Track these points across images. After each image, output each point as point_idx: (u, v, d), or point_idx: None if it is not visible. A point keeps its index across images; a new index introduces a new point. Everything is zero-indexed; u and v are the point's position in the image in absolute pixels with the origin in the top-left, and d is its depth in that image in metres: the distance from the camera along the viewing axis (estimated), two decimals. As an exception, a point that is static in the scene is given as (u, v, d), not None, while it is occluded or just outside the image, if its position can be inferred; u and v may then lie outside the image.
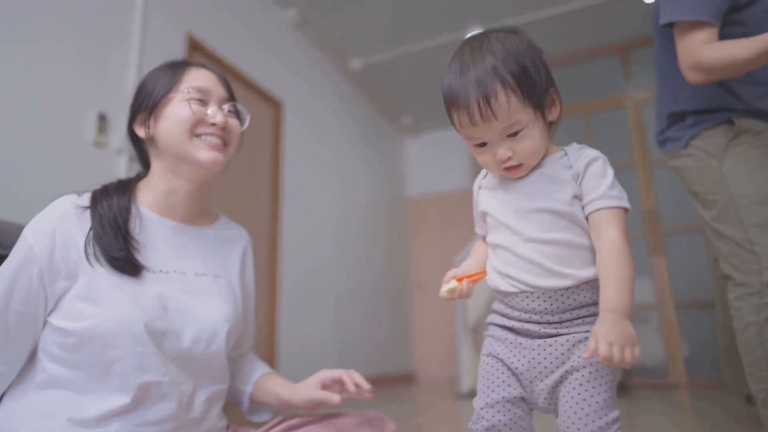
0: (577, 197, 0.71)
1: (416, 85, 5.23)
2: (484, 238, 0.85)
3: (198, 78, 0.98)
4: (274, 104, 3.87)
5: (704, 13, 1.31)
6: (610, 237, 0.67)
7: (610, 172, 0.72)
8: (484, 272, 0.80)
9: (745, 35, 1.31)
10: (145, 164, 1.00)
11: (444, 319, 5.78)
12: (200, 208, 1.03)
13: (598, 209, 0.69)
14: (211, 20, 3.27)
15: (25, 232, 0.82)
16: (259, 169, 3.67)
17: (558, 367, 0.69)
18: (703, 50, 1.30)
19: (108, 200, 0.90)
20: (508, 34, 0.74)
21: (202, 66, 1.01)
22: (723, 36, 1.37)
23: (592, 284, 0.70)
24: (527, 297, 0.71)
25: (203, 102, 0.96)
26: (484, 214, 0.80)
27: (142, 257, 0.89)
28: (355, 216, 4.95)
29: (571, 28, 4.47)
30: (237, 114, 1.02)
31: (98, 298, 0.81)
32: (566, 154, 0.74)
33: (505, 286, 0.73)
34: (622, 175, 4.51)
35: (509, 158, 0.71)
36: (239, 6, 3.56)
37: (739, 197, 1.33)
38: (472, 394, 3.49)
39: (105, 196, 0.90)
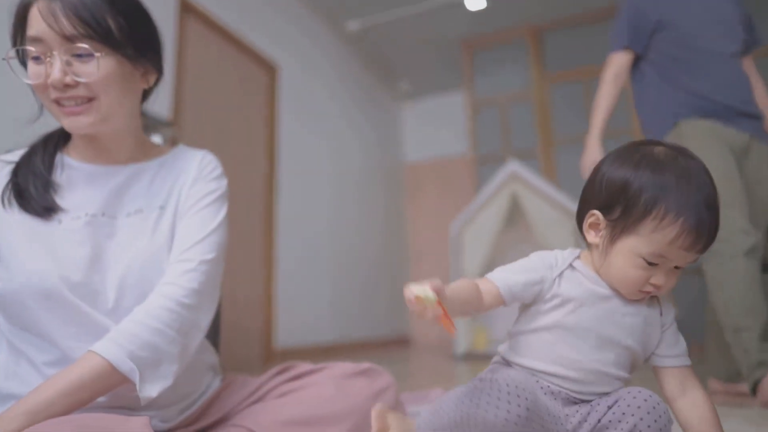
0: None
1: (413, 48, 5.16)
2: (493, 293, 0.74)
3: (32, 24, 0.76)
4: (269, 69, 3.83)
5: (625, 40, 1.86)
6: (703, 395, 0.74)
7: None
8: (451, 328, 0.63)
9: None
10: None
11: (439, 284, 5.86)
12: (132, 148, 0.90)
13: (685, 365, 0.76)
14: (205, -19, 3.19)
15: None
16: (254, 135, 3.65)
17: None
18: (608, 77, 2.04)
19: (33, 151, 0.86)
20: None
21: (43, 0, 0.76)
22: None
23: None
24: (564, 390, 0.73)
25: (40, 59, 0.77)
26: (556, 297, 0.74)
27: (63, 201, 0.82)
28: (351, 182, 4.96)
29: (572, -9, 4.38)
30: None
31: (7, 257, 0.77)
32: (658, 301, 0.77)
33: (548, 377, 0.73)
34: (622, 141, 4.50)
35: (660, 288, 0.71)
36: (233, -34, 3.48)
37: None
38: (466, 356, 3.57)
39: (31, 149, 0.87)
